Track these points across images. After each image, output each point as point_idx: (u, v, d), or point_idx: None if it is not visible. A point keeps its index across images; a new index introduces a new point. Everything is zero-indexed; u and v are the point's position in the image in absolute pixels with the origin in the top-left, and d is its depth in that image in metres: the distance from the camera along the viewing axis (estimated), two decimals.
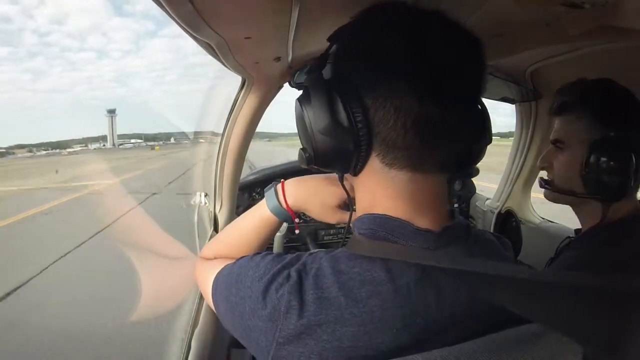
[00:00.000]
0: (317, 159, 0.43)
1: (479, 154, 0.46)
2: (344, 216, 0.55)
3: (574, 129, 0.71)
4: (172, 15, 0.42)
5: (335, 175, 0.52)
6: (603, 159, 0.64)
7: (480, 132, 0.45)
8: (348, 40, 0.43)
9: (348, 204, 0.52)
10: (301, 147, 0.45)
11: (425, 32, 0.38)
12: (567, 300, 0.30)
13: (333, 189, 0.55)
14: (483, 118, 0.45)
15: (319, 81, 0.41)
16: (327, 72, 0.43)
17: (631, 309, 0.27)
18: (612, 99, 0.68)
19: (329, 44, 0.45)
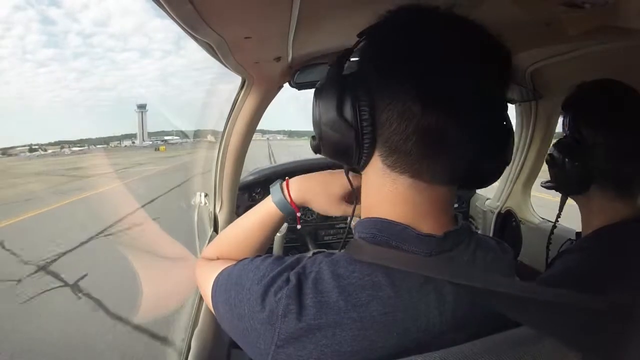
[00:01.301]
0: (323, 148, 0.44)
1: (494, 172, 0.46)
2: (348, 209, 0.55)
3: (562, 130, 0.76)
4: (172, 15, 0.42)
5: (341, 171, 0.53)
6: (556, 155, 0.71)
7: (495, 149, 0.43)
8: (369, 40, 0.43)
9: (352, 197, 0.53)
10: (312, 135, 0.46)
11: (442, 40, 0.37)
12: (565, 311, 0.30)
13: (338, 180, 0.56)
14: (504, 136, 0.44)
15: (335, 76, 0.42)
16: (347, 69, 0.44)
17: (627, 319, 0.27)
18: (585, 100, 0.71)
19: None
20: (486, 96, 0.39)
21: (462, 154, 0.40)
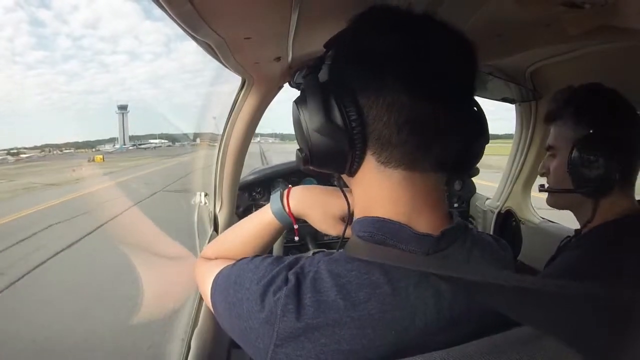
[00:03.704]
0: (313, 158, 0.43)
1: (478, 154, 0.47)
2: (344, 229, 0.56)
3: (560, 133, 0.75)
4: (172, 15, 0.42)
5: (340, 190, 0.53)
6: (584, 154, 0.68)
7: (477, 132, 0.45)
8: (342, 45, 0.44)
9: (349, 218, 0.53)
10: (298, 147, 0.45)
11: (416, 33, 0.40)
12: (565, 307, 0.30)
13: (338, 201, 0.55)
14: (480, 119, 0.46)
15: (314, 83, 0.42)
16: (323, 76, 0.44)
17: (629, 316, 0.27)
18: (591, 101, 0.71)
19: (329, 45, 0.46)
20: (460, 79, 0.41)
21: (453, 139, 0.41)
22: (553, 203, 0.78)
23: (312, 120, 0.41)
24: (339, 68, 0.43)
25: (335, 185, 0.54)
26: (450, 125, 0.40)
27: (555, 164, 0.75)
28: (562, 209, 0.78)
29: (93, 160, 32.52)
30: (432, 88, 0.38)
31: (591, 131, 0.68)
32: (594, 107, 0.70)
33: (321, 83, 0.42)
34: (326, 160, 0.43)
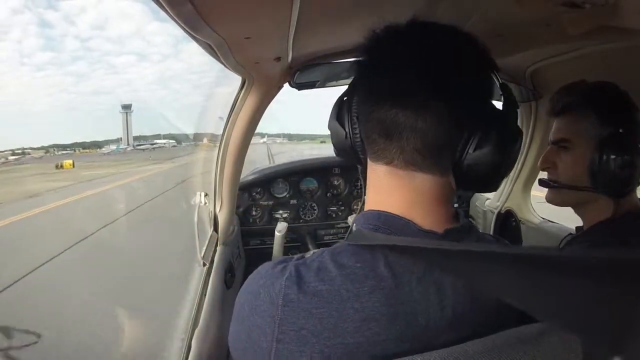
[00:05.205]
0: (334, 148, 0.52)
1: (486, 163, 0.42)
2: None
3: (579, 127, 0.71)
4: (172, 15, 0.42)
5: None
6: (614, 155, 0.66)
7: (480, 140, 0.41)
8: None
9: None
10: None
11: (406, 41, 0.44)
12: (571, 289, 0.30)
13: None
14: (492, 125, 0.42)
15: (340, 99, 0.50)
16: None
17: (634, 300, 0.27)
18: (615, 98, 0.70)
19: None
20: (441, 88, 0.40)
21: (423, 139, 0.41)
22: (559, 200, 0.75)
23: (330, 121, 0.50)
24: (355, 79, 0.50)
25: (335, 184, 0.56)
26: (415, 126, 0.40)
27: (570, 159, 0.72)
28: (566, 206, 0.76)
29: (61, 166, 26.36)
30: (394, 95, 0.42)
31: (621, 130, 0.67)
32: (620, 106, 0.69)
33: (345, 100, 0.50)
34: (339, 150, 0.51)
